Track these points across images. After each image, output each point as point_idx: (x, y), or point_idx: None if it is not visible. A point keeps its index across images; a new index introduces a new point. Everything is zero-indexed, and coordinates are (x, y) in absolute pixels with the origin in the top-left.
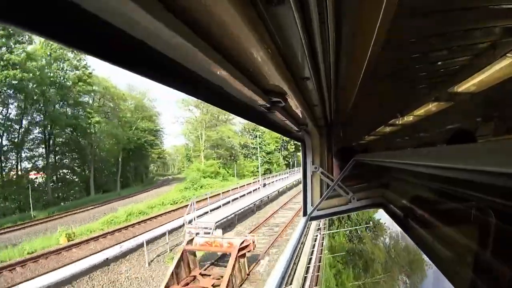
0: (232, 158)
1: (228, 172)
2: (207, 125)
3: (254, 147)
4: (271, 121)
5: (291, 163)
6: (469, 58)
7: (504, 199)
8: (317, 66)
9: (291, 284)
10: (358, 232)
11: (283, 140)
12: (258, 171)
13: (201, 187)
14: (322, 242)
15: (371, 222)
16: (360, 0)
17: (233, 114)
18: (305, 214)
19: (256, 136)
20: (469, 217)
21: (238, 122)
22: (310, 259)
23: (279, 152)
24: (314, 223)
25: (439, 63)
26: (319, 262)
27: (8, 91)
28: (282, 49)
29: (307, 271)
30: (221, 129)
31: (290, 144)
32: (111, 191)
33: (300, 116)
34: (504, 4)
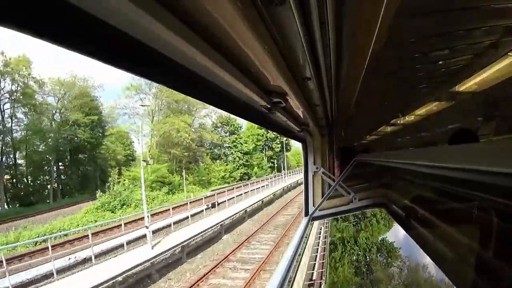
0: (196, 160)
1: (187, 179)
2: (162, 117)
3: (229, 146)
4: (272, 122)
5: (276, 165)
6: (471, 58)
7: (506, 199)
8: (318, 66)
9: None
10: (367, 258)
11: (267, 137)
12: (231, 177)
13: (122, 205)
14: None
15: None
16: (360, 0)
17: (234, 115)
18: (306, 214)
19: (232, 133)
20: (471, 217)
21: (207, 114)
22: None
23: (261, 152)
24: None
25: (440, 62)
26: None
27: None
28: (283, 49)
29: None
30: (172, 120)
31: (276, 143)
32: (41, 202)
33: (301, 116)
34: (505, 3)
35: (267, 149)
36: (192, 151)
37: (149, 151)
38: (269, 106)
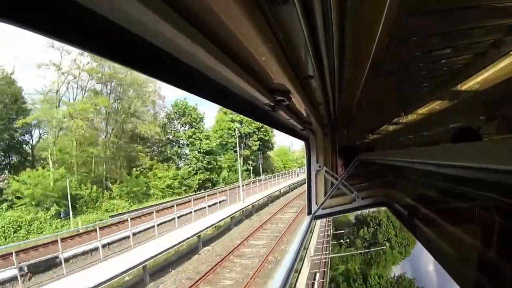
0: (131, 162)
1: (112, 190)
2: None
3: (186, 144)
4: (276, 120)
5: (254, 167)
6: (473, 56)
7: (509, 197)
8: (321, 64)
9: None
10: None
11: (241, 133)
12: (185, 185)
13: None
14: None
15: None
16: None
17: (238, 113)
18: (309, 213)
19: (190, 125)
20: (474, 216)
21: (143, 98)
22: None
23: (234, 151)
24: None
25: (443, 61)
26: None
27: None
28: (286, 47)
29: None
30: (79, 106)
31: (253, 139)
32: None
33: (304, 114)
34: (508, 2)
35: (243, 147)
36: (124, 150)
37: (51, 147)
38: (272, 104)
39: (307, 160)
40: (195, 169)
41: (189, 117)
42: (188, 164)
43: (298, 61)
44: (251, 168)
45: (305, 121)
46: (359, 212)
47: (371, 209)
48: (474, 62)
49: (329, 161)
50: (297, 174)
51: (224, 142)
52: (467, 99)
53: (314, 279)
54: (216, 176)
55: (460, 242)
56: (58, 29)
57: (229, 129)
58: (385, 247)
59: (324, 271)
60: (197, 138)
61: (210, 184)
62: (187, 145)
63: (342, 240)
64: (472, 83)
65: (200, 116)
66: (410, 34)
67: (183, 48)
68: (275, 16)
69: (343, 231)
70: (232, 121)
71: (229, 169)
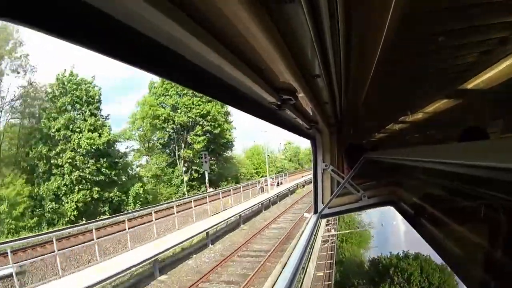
0: None
1: None
2: None
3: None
4: (282, 119)
5: (185, 178)
6: (480, 54)
7: None
8: (327, 63)
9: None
10: None
11: (176, 124)
12: (51, 213)
13: None
14: None
15: None
16: None
17: (245, 112)
18: (315, 212)
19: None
20: (481, 215)
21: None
22: None
23: (162, 151)
24: None
25: (449, 59)
26: None
27: None
28: (293, 46)
29: None
30: None
31: (196, 134)
32: None
33: (311, 113)
34: None
35: (182, 145)
36: None
37: None
38: (278, 103)
39: (313, 159)
40: (68, 183)
41: (70, 97)
42: (60, 175)
43: (305, 60)
44: (197, 176)
45: (311, 120)
46: (376, 258)
47: (395, 256)
48: (481, 60)
49: (335, 160)
50: (262, 188)
51: (155, 137)
52: (474, 98)
53: None
54: (119, 193)
55: (467, 241)
56: (62, 28)
57: (158, 117)
58: None
59: None
60: (76, 130)
61: (107, 208)
62: (60, 141)
63: None
64: (479, 81)
65: (91, 94)
66: (416, 32)
67: (190, 47)
68: (282, 15)
69: None
70: (167, 103)
71: (156, 179)
